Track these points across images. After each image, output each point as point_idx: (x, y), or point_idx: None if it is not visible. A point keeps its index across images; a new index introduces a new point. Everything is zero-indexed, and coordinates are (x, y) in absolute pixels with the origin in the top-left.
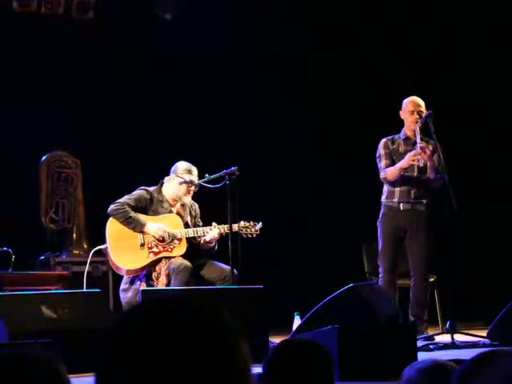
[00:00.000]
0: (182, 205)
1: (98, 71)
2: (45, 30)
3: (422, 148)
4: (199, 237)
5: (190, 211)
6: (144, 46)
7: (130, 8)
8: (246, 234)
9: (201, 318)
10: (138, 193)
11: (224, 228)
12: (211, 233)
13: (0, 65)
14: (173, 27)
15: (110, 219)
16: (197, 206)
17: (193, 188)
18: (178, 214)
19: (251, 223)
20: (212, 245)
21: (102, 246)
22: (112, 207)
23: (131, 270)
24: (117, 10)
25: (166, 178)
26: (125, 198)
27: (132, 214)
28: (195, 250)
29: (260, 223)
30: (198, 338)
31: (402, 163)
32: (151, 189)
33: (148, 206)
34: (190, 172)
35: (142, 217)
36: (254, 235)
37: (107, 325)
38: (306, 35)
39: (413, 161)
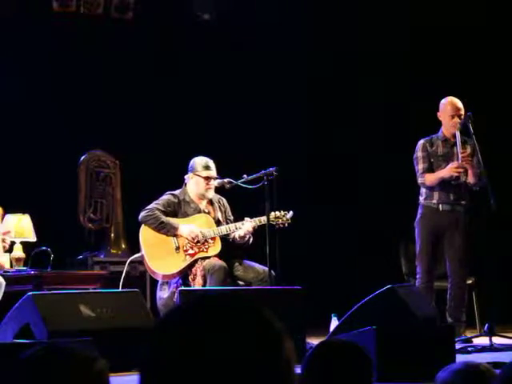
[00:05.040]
0: (211, 203)
1: (137, 71)
2: (84, 30)
3: (464, 157)
4: (233, 232)
5: (219, 207)
6: (183, 46)
7: (169, 8)
8: (278, 224)
9: (246, 317)
10: (165, 198)
11: (256, 221)
12: (244, 227)
13: (39, 65)
14: (211, 27)
15: (142, 227)
16: (224, 200)
17: (212, 182)
18: (208, 212)
19: (282, 213)
20: (246, 239)
21: (137, 255)
22: (142, 214)
23: (169, 274)
24: (156, 11)
25: (187, 177)
26: (154, 204)
27: (163, 218)
28: (229, 247)
29: (291, 212)
30: (244, 338)
31: (444, 173)
32: (177, 192)
33: (177, 210)
34: (207, 168)
35: (173, 220)
36: (286, 224)
37: (148, 324)
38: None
39: (457, 173)
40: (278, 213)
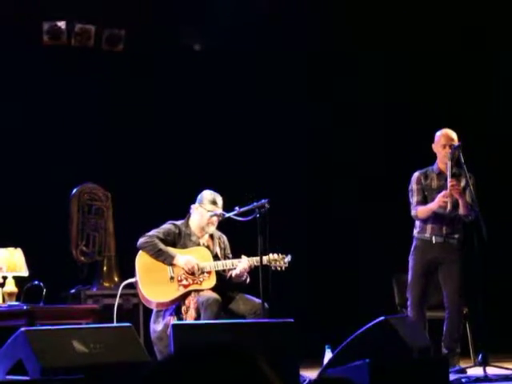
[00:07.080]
0: (211, 237)
1: (128, 103)
2: (75, 63)
3: (452, 186)
4: (229, 270)
5: (219, 243)
6: (174, 78)
7: (159, 40)
8: (275, 266)
9: (241, 371)
10: (166, 227)
11: (253, 260)
12: (240, 265)
13: (31, 98)
14: (202, 58)
15: (140, 253)
16: (225, 238)
17: (215, 219)
18: (207, 246)
19: (280, 256)
20: (243, 278)
21: (131, 280)
22: (141, 240)
23: (161, 303)
24: (146, 43)
25: (192, 207)
26: (154, 231)
27: (161, 246)
28: (225, 283)
29: (289, 256)
30: None
31: (433, 205)
32: (179, 223)
33: (177, 240)
34: (214, 203)
35: (171, 249)
36: (284, 268)
37: (142, 359)
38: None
39: (443, 202)
40: (276, 255)
